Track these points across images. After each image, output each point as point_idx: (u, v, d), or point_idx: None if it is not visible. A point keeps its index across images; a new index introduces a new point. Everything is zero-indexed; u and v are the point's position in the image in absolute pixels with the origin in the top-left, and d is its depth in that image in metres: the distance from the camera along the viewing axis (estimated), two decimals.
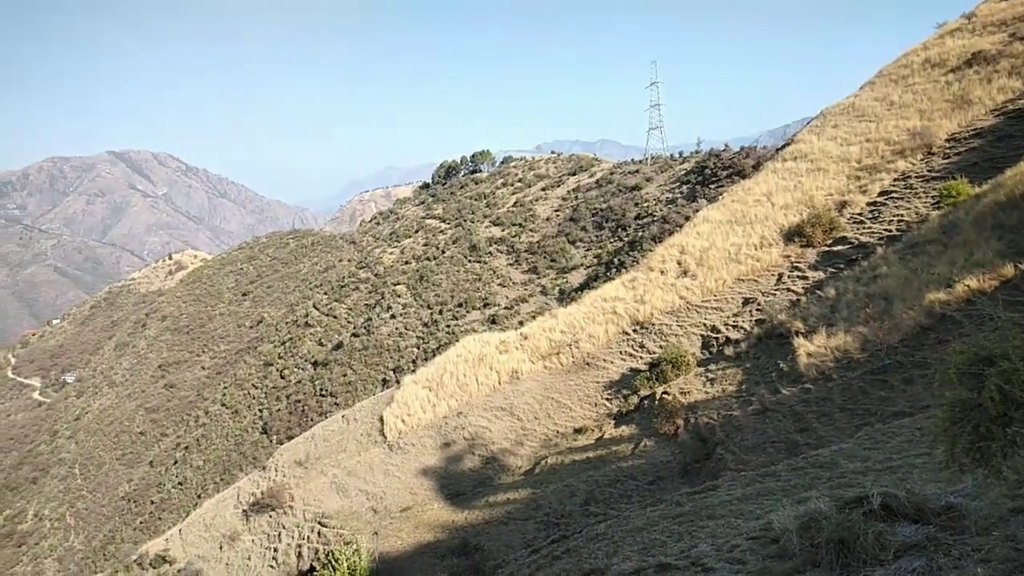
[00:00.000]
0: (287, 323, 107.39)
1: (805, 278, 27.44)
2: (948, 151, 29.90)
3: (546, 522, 20.84)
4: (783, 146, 44.21)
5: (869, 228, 28.15)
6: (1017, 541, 7.22)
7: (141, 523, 79.61)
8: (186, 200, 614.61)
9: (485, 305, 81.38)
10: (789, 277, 28.12)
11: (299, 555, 27.03)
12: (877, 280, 23.10)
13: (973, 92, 32.61)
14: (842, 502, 9.86)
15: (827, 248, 28.58)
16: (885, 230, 27.29)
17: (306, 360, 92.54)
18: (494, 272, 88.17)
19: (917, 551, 8.19)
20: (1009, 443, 6.49)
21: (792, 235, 30.46)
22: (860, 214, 29.48)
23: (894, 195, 29.31)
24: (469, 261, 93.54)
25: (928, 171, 29.38)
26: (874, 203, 29.64)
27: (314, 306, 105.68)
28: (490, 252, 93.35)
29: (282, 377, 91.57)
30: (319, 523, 27.93)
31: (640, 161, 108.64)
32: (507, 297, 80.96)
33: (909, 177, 29.84)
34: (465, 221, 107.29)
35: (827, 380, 19.98)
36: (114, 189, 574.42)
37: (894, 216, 27.88)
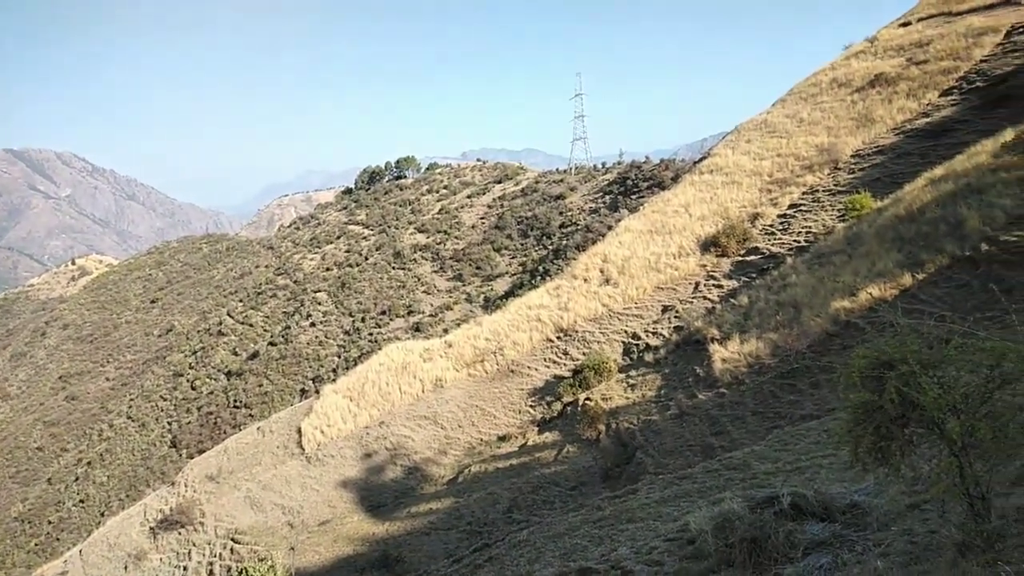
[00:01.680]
0: (199, 332, 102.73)
1: (720, 287, 28.45)
2: (853, 166, 31.75)
3: (469, 531, 20.66)
4: (700, 159, 45.86)
5: (780, 239, 29.48)
6: (913, 535, 7.63)
7: (36, 545, 74.00)
8: (91, 202, 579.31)
9: (409, 313, 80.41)
10: (705, 286, 29.08)
11: (210, 573, 25.76)
12: (787, 289, 24.18)
13: (876, 111, 34.81)
14: (754, 502, 10.18)
15: (741, 258, 29.74)
16: (794, 241, 28.66)
17: (219, 370, 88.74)
18: (419, 279, 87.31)
19: (824, 548, 8.53)
20: (907, 443, 6.78)
21: (708, 245, 31.54)
22: (771, 226, 30.85)
23: (803, 208, 30.84)
24: (393, 268, 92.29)
25: (834, 185, 31.09)
26: (784, 215, 31.08)
27: (228, 314, 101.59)
28: (414, 259, 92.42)
29: (193, 388, 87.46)
30: (232, 539, 26.72)
31: (564, 171, 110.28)
32: (432, 305, 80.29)
33: (817, 191, 31.48)
34: (389, 227, 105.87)
35: (740, 385, 20.72)
36: (11, 190, 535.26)
37: (803, 228, 29.32)
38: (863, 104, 36.52)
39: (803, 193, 31.98)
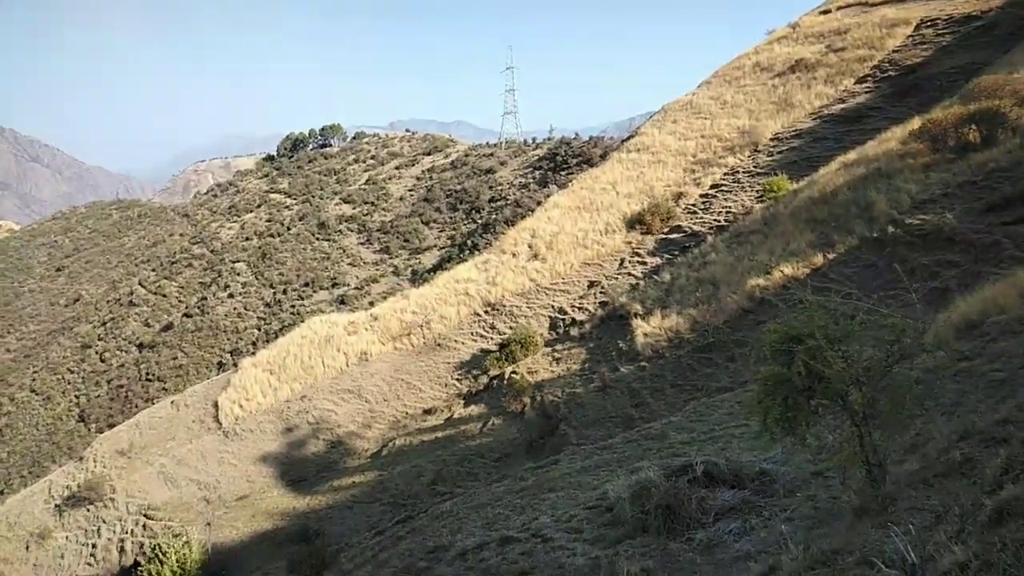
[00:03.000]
0: (108, 302, 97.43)
1: (644, 263, 29.10)
2: (772, 149, 32.91)
3: (392, 503, 20.60)
4: (628, 138, 46.49)
5: (701, 218, 30.34)
6: (816, 500, 8.05)
7: None
8: None
9: (334, 285, 78.71)
10: (630, 262, 29.67)
11: (121, 550, 24.74)
12: (707, 267, 24.97)
13: (795, 96, 36.12)
14: (670, 471, 10.53)
15: (664, 236, 30.46)
16: (715, 220, 29.55)
17: (130, 342, 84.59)
18: (344, 251, 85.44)
19: (734, 513, 8.91)
20: (813, 413, 7.11)
21: (634, 222, 32.13)
22: (694, 205, 31.69)
23: (724, 188, 31.79)
24: (317, 239, 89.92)
25: (754, 167, 32.16)
26: (706, 195, 31.97)
27: (140, 283, 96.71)
28: (340, 230, 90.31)
29: (102, 360, 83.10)
30: (144, 516, 25.70)
31: (495, 145, 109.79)
32: (357, 277, 78.82)
33: (737, 172, 32.49)
34: (313, 197, 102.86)
35: (660, 358, 21.35)
36: None
37: (723, 207, 30.26)
38: (783, 89, 37.80)
39: (725, 174, 32.93)
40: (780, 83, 38.76)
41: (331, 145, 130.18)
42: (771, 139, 33.77)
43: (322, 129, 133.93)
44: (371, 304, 53.39)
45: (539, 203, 50.38)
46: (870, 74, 34.86)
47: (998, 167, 19.24)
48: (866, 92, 33.54)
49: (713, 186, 32.45)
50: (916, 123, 24.39)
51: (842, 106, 33.41)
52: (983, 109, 21.38)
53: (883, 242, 19.50)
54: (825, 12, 46.70)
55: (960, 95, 24.44)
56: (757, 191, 29.69)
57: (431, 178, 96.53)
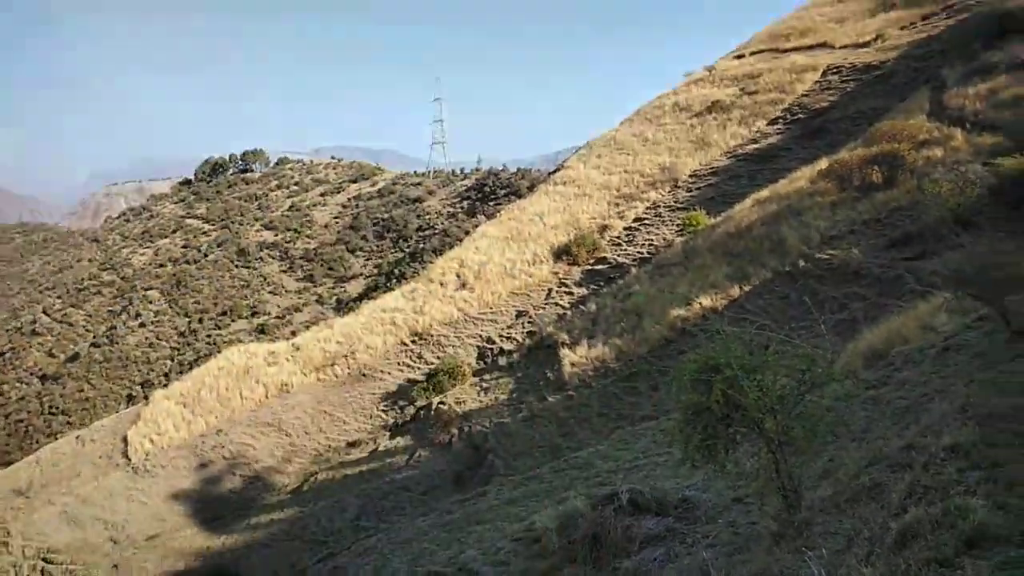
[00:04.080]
0: (8, 330, 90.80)
1: (571, 293, 29.54)
2: (691, 185, 34.26)
3: (314, 541, 19.81)
4: (555, 171, 47.45)
5: (625, 250, 31.14)
6: (737, 526, 8.27)
7: None
8: None
9: (253, 314, 76.07)
10: (557, 292, 30.06)
11: None
12: (630, 297, 25.58)
13: (711, 136, 37.84)
14: (596, 500, 10.61)
15: (590, 267, 31.06)
16: (639, 252, 30.39)
17: (32, 373, 78.93)
18: (265, 279, 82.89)
19: (658, 541, 9.03)
20: (731, 441, 7.33)
21: (561, 253, 32.65)
22: (618, 237, 32.52)
23: (646, 221, 32.80)
24: (236, 266, 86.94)
25: (674, 202, 33.37)
26: (630, 228, 32.89)
27: (44, 311, 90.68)
28: (260, 257, 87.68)
29: (0, 393, 77.09)
30: (43, 560, 23.73)
31: (423, 174, 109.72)
32: (279, 306, 76.51)
33: (659, 206, 33.62)
34: (233, 223, 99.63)
35: (587, 387, 21.61)
36: None
37: (646, 240, 31.18)
38: (701, 128, 39.56)
39: (647, 208, 34.01)
40: (698, 123, 40.56)
41: (253, 171, 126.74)
42: (690, 176, 35.18)
43: (243, 154, 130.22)
44: (293, 334, 51.83)
45: (467, 233, 50.55)
46: (781, 116, 36.95)
47: (899, 206, 20.68)
48: (777, 133, 35.50)
49: (636, 219, 33.42)
50: (824, 163, 25.98)
51: (755, 146, 35.22)
52: (884, 152, 23.01)
53: (794, 275, 20.53)
54: (739, 56, 49.38)
55: (863, 138, 26.21)
56: (677, 225, 30.77)
57: (357, 206, 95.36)
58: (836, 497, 6.26)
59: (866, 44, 40.47)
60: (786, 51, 45.65)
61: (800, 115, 36.01)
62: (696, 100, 43.59)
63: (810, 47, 44.46)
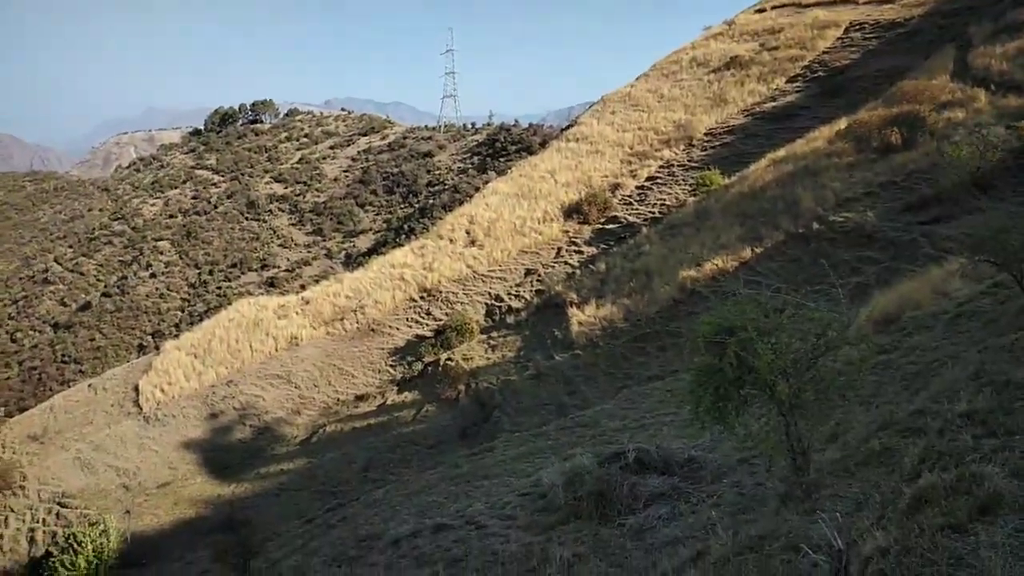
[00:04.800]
0: (21, 279, 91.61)
1: (581, 253, 29.40)
2: (706, 144, 33.70)
3: (322, 491, 20.22)
4: (567, 127, 46.73)
5: (637, 210, 30.85)
6: (742, 487, 8.32)
7: None
8: None
9: (263, 267, 76.29)
10: (567, 251, 29.93)
11: (31, 540, 23.39)
12: (641, 257, 25.44)
13: (729, 93, 37.04)
14: (602, 458, 10.69)
15: (601, 226, 30.83)
16: (650, 212, 30.10)
17: (45, 322, 79.90)
18: (274, 232, 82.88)
19: (663, 499, 9.11)
20: (742, 402, 7.31)
21: (571, 212, 32.39)
22: (630, 196, 32.18)
23: (659, 180, 32.40)
24: (246, 219, 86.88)
25: (688, 160, 32.88)
26: (642, 187, 32.51)
27: (56, 260, 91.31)
28: (270, 210, 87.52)
29: (13, 341, 78.16)
30: (58, 504, 24.39)
31: (433, 128, 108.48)
32: (288, 259, 76.65)
33: (672, 165, 33.15)
34: (242, 175, 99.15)
35: (595, 347, 21.66)
36: None
37: (658, 200, 30.85)
38: (718, 85, 38.71)
39: (660, 166, 33.54)
40: (715, 79, 39.67)
41: (262, 121, 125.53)
42: (705, 134, 34.56)
43: (253, 104, 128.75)
44: (302, 287, 52.08)
45: (477, 189, 50.19)
46: (801, 74, 36.09)
47: (917, 169, 20.30)
48: (796, 91, 34.72)
49: (649, 178, 33.01)
50: (843, 123, 25.45)
51: (773, 104, 34.50)
52: (905, 113, 22.50)
53: (808, 238, 20.30)
54: (760, 11, 48.00)
55: (884, 98, 25.61)
56: (691, 184, 30.37)
57: (367, 159, 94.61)
58: (845, 461, 6.26)
59: (891, 0, 39.22)
60: (808, 6, 44.34)
61: (821, 73, 35.16)
62: (714, 55, 42.57)
63: (833, 2, 43.15)
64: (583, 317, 23.47)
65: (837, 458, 6.41)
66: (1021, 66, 22.93)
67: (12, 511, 24.79)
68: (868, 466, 5.72)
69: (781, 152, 26.91)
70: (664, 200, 30.64)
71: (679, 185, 31.26)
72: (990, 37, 26.24)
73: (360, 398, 25.16)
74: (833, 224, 19.91)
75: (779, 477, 7.01)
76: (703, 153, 33.06)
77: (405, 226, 70.08)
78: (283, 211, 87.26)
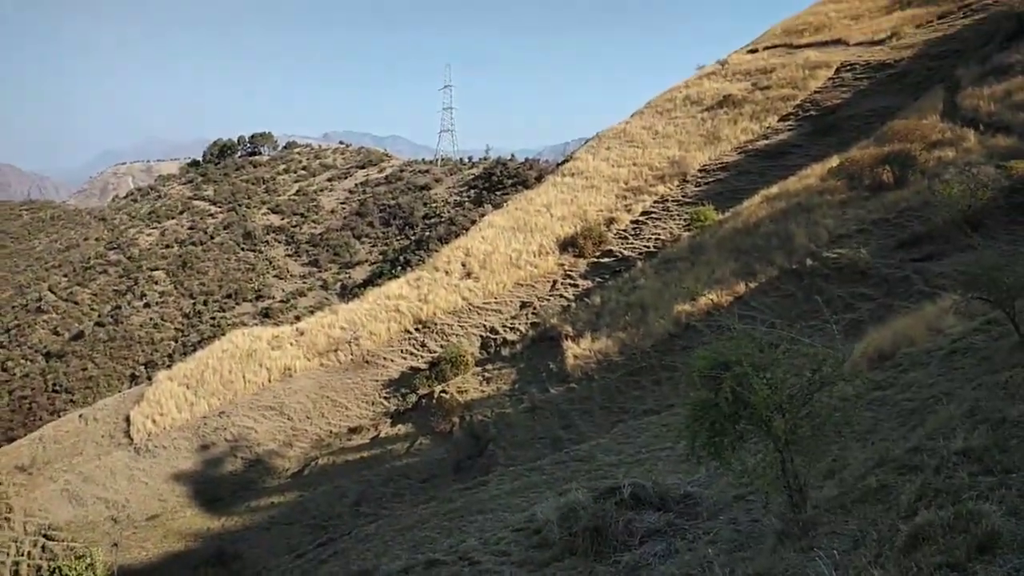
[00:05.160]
0: (14, 307, 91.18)
1: (576, 286, 29.49)
2: (700, 180, 34.08)
3: (314, 525, 19.92)
4: (563, 162, 47.26)
5: (632, 244, 31.05)
6: (738, 524, 8.24)
7: None
8: None
9: (258, 297, 76.22)
10: (562, 284, 30.02)
11: (15, 574, 22.91)
12: (636, 291, 25.53)
13: (722, 130, 37.61)
14: (598, 493, 10.58)
15: (596, 259, 30.99)
16: (645, 246, 30.30)
17: (37, 351, 79.31)
18: (270, 263, 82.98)
19: (659, 536, 9.01)
20: (738, 438, 7.29)
21: (567, 245, 32.58)
22: (625, 230, 32.42)
23: (653, 215, 32.68)
24: (242, 249, 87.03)
25: (682, 196, 33.21)
26: (637, 221, 32.78)
27: (50, 289, 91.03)
28: (267, 241, 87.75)
29: (4, 369, 77.44)
30: (44, 536, 23.94)
31: (431, 162, 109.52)
32: (283, 290, 76.63)
33: (667, 200, 33.48)
34: (240, 206, 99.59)
35: (590, 380, 21.60)
36: None
37: (653, 234, 31.08)
38: (712, 122, 39.32)
39: (655, 202, 33.87)
40: (709, 117, 40.30)
41: (261, 153, 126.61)
42: (699, 170, 34.98)
43: (252, 137, 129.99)
44: (297, 318, 51.95)
45: (473, 222, 50.47)
46: (793, 112, 36.70)
47: (909, 206, 20.56)
48: (788, 130, 35.27)
49: (644, 213, 33.30)
50: (835, 161, 25.81)
51: (766, 142, 35.00)
52: (896, 151, 22.87)
53: (801, 273, 20.44)
54: (752, 51, 48.97)
55: (875, 137, 26.03)
56: (685, 220, 30.62)
57: (364, 192, 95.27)
58: (842, 497, 6.22)
59: (881, 42, 40.08)
60: (800, 47, 45.26)
61: (812, 112, 35.75)
62: (708, 94, 43.29)
63: (824, 43, 44.07)
64: (578, 350, 23.45)
65: (834, 495, 6.37)
66: (1009, 107, 23.39)
67: None
68: (865, 503, 5.69)
69: (774, 189, 27.22)
70: (659, 235, 30.87)
71: (673, 220, 31.52)
72: (978, 79, 26.82)
73: (353, 430, 24.94)
74: (827, 260, 20.07)
75: (776, 514, 6.95)
76: (697, 189, 33.43)
77: (401, 258, 70.28)
78: (279, 242, 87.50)
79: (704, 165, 35.31)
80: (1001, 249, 16.00)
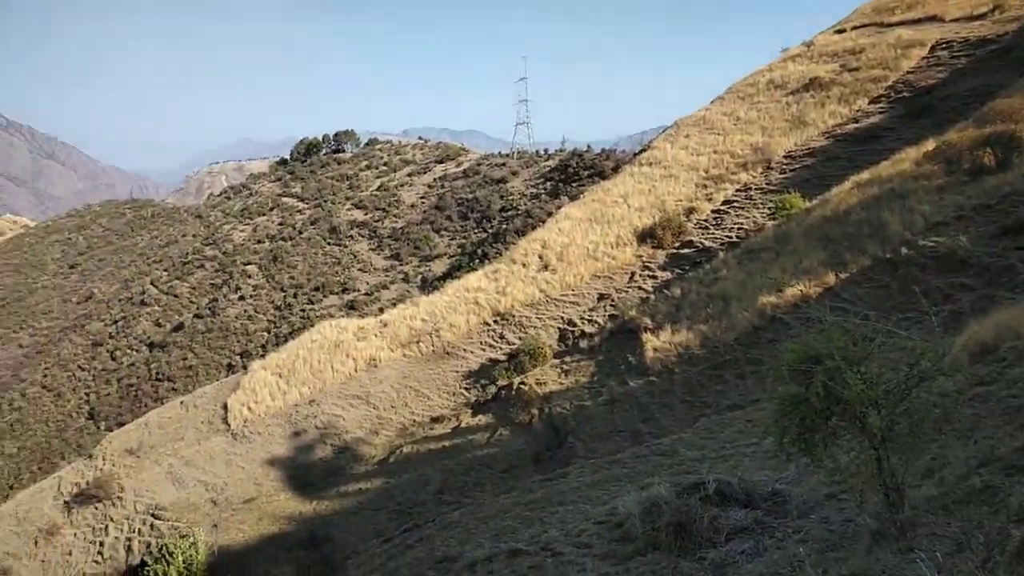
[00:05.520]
0: (120, 300, 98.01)
1: (655, 277, 29.07)
2: (784, 167, 32.86)
3: (399, 511, 20.60)
4: (640, 151, 46.55)
5: (713, 234, 30.31)
6: (830, 523, 8.02)
7: None
8: (6, 160, 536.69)
9: (344, 290, 78.91)
10: (640, 276, 29.66)
11: (128, 549, 24.82)
12: (717, 282, 24.93)
13: (808, 115, 36.07)
14: (681, 488, 10.50)
15: (675, 250, 30.44)
16: (727, 236, 29.51)
17: (141, 341, 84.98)
18: (355, 256, 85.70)
19: (746, 533, 8.87)
20: (830, 435, 7.09)
21: (645, 236, 32.13)
22: (705, 220, 31.68)
23: (736, 204, 31.77)
24: (328, 244, 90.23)
25: (766, 184, 32.12)
26: (718, 211, 31.95)
27: (152, 283, 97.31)
28: (351, 236, 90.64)
29: (113, 359, 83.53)
30: (152, 515, 25.81)
31: (507, 155, 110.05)
32: (367, 283, 79.02)
33: (749, 188, 32.46)
34: (325, 202, 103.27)
35: (670, 374, 21.29)
36: None
37: (735, 224, 30.22)
38: (797, 107, 37.78)
39: (737, 190, 32.91)
40: (794, 101, 38.75)
41: (344, 151, 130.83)
42: (784, 157, 33.72)
43: (336, 135, 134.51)
44: (381, 310, 53.53)
45: (550, 214, 50.50)
46: (884, 94, 34.80)
47: (1013, 191, 19.19)
48: (880, 112, 33.48)
49: (725, 202, 32.43)
50: (930, 145, 24.35)
51: (855, 126, 33.36)
52: (999, 132, 21.35)
53: (895, 263, 19.43)
54: (840, 31, 46.72)
55: (975, 118, 24.38)
56: (769, 208, 29.63)
57: (443, 186, 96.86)
58: (943, 498, 5.97)
59: (981, 16, 37.40)
60: (891, 25, 42.80)
61: (905, 93, 33.77)
62: (793, 77, 41.60)
63: (918, 21, 41.52)
64: (658, 343, 23.15)
65: (934, 495, 6.11)
66: None
67: (112, 520, 26.36)
68: (969, 504, 5.44)
69: (865, 175, 25.93)
70: (741, 224, 29.99)
71: (757, 209, 30.55)
72: None
73: (436, 420, 25.58)
74: (923, 249, 19.00)
75: (871, 513, 6.73)
76: (782, 176, 32.25)
77: (479, 251, 71.12)
78: (363, 236, 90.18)
79: (789, 151, 33.99)
80: None
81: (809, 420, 7.01)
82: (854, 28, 45.75)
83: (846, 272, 20.61)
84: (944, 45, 36.18)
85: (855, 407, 6.48)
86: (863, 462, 6.87)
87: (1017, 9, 36.00)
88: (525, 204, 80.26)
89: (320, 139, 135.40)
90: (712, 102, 45.51)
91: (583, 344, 26.13)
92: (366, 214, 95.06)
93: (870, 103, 34.80)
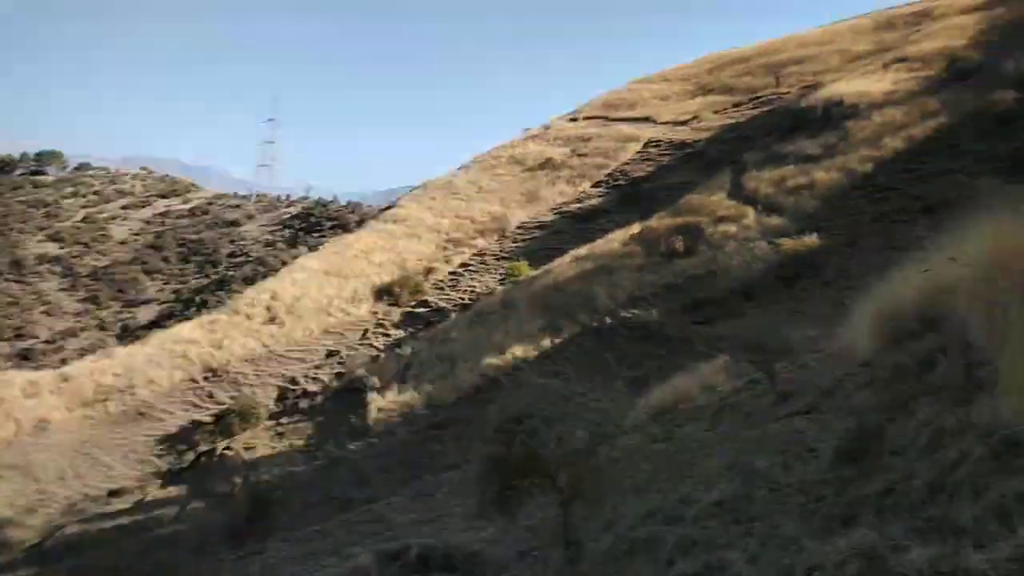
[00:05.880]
0: None
1: (388, 335, 28.63)
2: (518, 236, 35.14)
3: None
4: (387, 208, 46.76)
5: (448, 295, 30.99)
6: None
7: None
8: None
9: (18, 336, 65.77)
10: (374, 333, 29.01)
11: None
12: (447, 343, 25.26)
13: (541, 191, 39.38)
14: (384, 556, 9.84)
15: (411, 309, 30.46)
16: (460, 298, 30.35)
17: None
18: (39, 296, 72.42)
19: None
20: (526, 493, 7.09)
21: (383, 293, 31.80)
22: (442, 281, 32.37)
23: (471, 268, 33.03)
24: (6, 279, 75.30)
25: (500, 251, 33.98)
26: (455, 272, 32.92)
27: None
28: (39, 272, 76.75)
29: None
30: None
31: (245, 197, 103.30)
32: (51, 329, 66.86)
33: (485, 254, 34.06)
34: (11, 230, 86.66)
35: (392, 435, 20.69)
36: None
37: (469, 286, 31.28)
38: (532, 182, 41.09)
39: (473, 254, 34.31)
40: (530, 177, 42.11)
41: (46, 173, 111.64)
42: (518, 227, 36.10)
43: (38, 155, 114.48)
44: (63, 361, 45.34)
45: (284, 263, 47.99)
46: (604, 180, 39.24)
47: (695, 274, 22.47)
48: (599, 196, 37.63)
49: (462, 265, 33.56)
50: (635, 228, 27.78)
51: (579, 205, 37.03)
52: (688, 223, 25.12)
53: (601, 331, 21.38)
54: (573, 119, 52.27)
55: (671, 209, 28.41)
56: (501, 274, 31.23)
57: (163, 223, 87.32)
58: (614, 550, 6.13)
59: (684, 123, 44.20)
60: (615, 120, 48.86)
61: (621, 181, 38.43)
62: (531, 155, 45.29)
63: (637, 119, 47.83)
64: (383, 403, 22.48)
65: (608, 548, 6.27)
66: (782, 191, 26.46)
67: None
68: (635, 554, 5.60)
69: (583, 250, 28.60)
70: (475, 287, 31.12)
71: (490, 274, 32.01)
72: (760, 164, 30.27)
73: (114, 493, 21.58)
74: (623, 320, 21.21)
75: (554, 569, 6.74)
76: (514, 245, 34.39)
77: (197, 298, 64.61)
78: (54, 274, 76.87)
79: (523, 222, 36.51)
80: (768, 318, 17.84)
81: (509, 479, 7.00)
82: (586, 118, 51.46)
83: (560, 338, 22.14)
84: (655, 143, 42.03)
85: (548, 465, 6.57)
86: (550, 519, 6.92)
87: (709, 121, 43.31)
88: (259, 251, 75.54)
89: (16, 157, 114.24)
90: (459, 169, 47.65)
91: (303, 404, 24.44)
92: (62, 248, 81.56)
93: (592, 186, 38.98)
